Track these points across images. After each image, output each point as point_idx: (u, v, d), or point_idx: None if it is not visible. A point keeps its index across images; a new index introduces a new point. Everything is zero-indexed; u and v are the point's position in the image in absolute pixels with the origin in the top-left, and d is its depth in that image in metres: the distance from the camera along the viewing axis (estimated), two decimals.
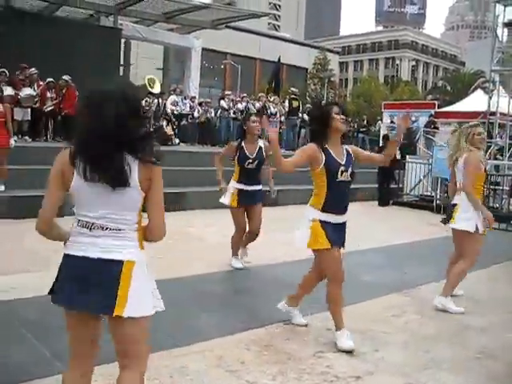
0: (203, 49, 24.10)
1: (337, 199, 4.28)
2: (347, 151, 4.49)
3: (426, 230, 10.46)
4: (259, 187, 6.68)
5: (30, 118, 13.37)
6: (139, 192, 2.38)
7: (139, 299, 2.42)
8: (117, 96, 2.38)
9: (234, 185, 6.60)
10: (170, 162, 12.28)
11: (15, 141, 10.32)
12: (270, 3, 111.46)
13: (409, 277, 6.76)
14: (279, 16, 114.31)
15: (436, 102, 25.04)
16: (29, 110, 13.28)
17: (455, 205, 5.61)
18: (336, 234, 4.29)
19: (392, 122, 20.95)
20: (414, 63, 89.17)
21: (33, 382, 3.44)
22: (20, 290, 5.09)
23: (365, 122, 26.44)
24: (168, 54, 25.54)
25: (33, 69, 13.62)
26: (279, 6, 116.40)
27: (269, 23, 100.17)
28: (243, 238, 6.71)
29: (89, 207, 2.39)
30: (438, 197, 13.82)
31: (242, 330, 4.51)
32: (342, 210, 4.34)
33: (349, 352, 4.15)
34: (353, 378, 3.75)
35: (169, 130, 16.44)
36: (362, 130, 25.54)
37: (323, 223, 4.25)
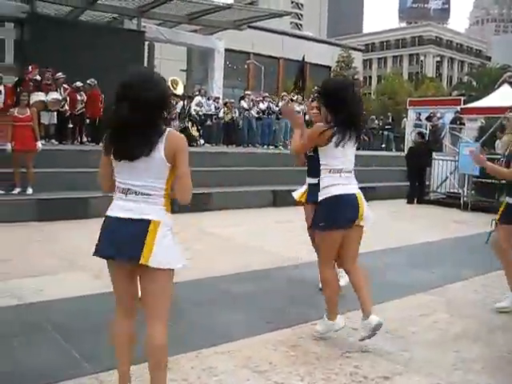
0: (226, 49, 24.18)
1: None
2: None
3: (453, 228, 10.34)
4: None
5: (56, 122, 13.54)
6: (165, 163, 2.78)
7: (164, 253, 2.80)
8: (143, 79, 2.86)
9: None
10: (196, 163, 12.39)
11: (42, 144, 10.45)
12: (292, 2, 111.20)
13: (436, 276, 6.68)
14: (301, 15, 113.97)
15: (462, 98, 24.73)
16: (55, 113, 13.44)
17: None
18: None
19: (419, 119, 20.76)
20: (438, 59, 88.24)
21: (62, 383, 3.46)
22: (48, 292, 5.15)
23: (390, 119, 26.24)
24: (191, 55, 25.68)
25: (59, 73, 13.78)
26: (301, 5, 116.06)
27: (291, 22, 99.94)
28: None
29: (124, 176, 2.84)
30: (465, 194, 13.64)
31: (268, 331, 4.50)
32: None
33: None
34: (381, 378, 3.71)
35: (194, 131, 16.51)
36: (386, 127, 25.37)
37: None
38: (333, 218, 4.13)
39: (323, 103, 4.29)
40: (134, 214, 2.79)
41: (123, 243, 2.77)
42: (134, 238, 2.76)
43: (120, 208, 2.83)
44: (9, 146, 9.74)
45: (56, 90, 13.35)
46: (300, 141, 4.28)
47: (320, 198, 4.23)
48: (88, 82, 14.50)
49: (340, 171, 4.16)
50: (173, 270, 2.90)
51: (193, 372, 3.68)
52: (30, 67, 13.26)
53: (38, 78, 13.32)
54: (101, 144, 3.03)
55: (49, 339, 4.11)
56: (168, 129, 2.82)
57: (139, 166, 2.77)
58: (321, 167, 4.24)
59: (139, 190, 2.81)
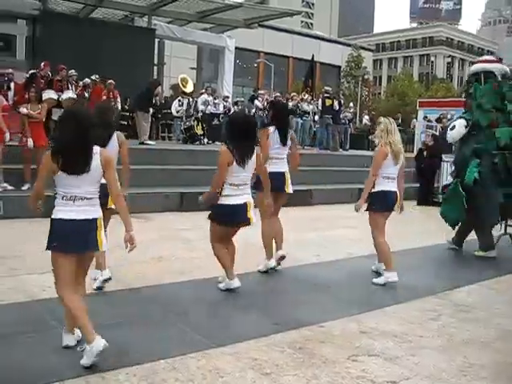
0: (236, 48, 24.14)
1: None
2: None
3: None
4: None
5: None
6: (101, 172, 3.80)
7: (105, 240, 3.91)
8: (81, 115, 3.81)
9: None
10: (201, 162, 12.40)
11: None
12: (303, 1, 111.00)
13: (444, 279, 6.65)
14: (312, 14, 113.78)
15: None
16: None
17: None
18: None
19: (429, 120, 20.66)
20: (449, 60, 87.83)
21: (68, 381, 3.47)
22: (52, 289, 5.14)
23: (399, 120, 26.11)
24: (201, 53, 25.66)
25: (72, 70, 13.82)
26: (312, 4, 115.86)
27: (302, 21, 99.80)
28: None
29: (71, 186, 3.73)
30: None
31: (275, 332, 4.48)
32: None
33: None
34: (388, 382, 3.69)
35: (198, 130, 16.51)
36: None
37: None
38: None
39: None
40: (86, 215, 3.74)
41: (82, 240, 3.72)
42: (90, 234, 3.75)
43: (71, 212, 3.72)
44: (30, 143, 9.77)
45: (68, 88, 13.36)
46: None
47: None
48: (92, 77, 14.53)
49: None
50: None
51: (199, 372, 3.68)
52: (42, 64, 13.28)
53: (49, 74, 13.34)
54: None
55: (54, 336, 4.09)
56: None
57: (83, 178, 3.71)
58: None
59: (85, 195, 3.74)
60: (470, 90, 8.86)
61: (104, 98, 14.58)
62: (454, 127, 8.63)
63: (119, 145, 5.30)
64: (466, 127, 8.40)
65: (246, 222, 5.54)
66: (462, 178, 8.14)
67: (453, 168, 9.11)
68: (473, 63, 9.02)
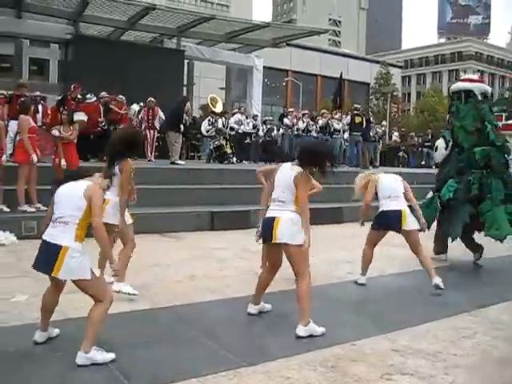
0: (264, 67, 24.32)
1: None
2: None
3: (492, 248, 10.11)
4: None
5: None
6: (83, 201, 4.00)
7: (72, 269, 3.94)
8: None
9: None
10: (231, 181, 12.47)
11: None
12: (329, 19, 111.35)
13: (477, 296, 6.54)
14: (339, 32, 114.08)
15: (503, 114, 24.31)
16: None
17: None
18: None
19: None
20: (478, 74, 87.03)
21: None
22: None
23: (429, 136, 25.90)
24: (230, 73, 25.91)
25: (103, 93, 14.12)
26: (339, 22, 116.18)
27: (329, 39, 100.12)
28: None
29: (56, 209, 4.07)
30: None
31: (307, 351, 4.46)
32: None
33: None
34: None
35: (228, 149, 16.60)
36: (426, 144, 25.04)
37: None
38: None
39: None
40: (52, 239, 3.97)
41: (42, 260, 4.03)
42: (49, 258, 3.93)
43: (48, 233, 4.03)
44: (63, 163, 9.96)
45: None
46: None
47: None
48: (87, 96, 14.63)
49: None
50: (96, 278, 4.08)
51: None
52: (72, 86, 13.56)
53: (80, 96, 13.60)
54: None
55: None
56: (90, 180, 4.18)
57: (66, 200, 4.04)
58: None
59: (61, 219, 4.00)
60: (452, 109, 9.06)
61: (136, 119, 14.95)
62: (437, 148, 9.20)
63: (120, 170, 5.50)
64: (445, 148, 8.87)
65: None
66: (440, 193, 8.53)
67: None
68: (461, 80, 9.34)
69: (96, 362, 3.92)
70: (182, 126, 15.01)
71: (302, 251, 4.82)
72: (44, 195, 9.67)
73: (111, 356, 4.01)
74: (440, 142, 9.04)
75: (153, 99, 15.04)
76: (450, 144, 8.80)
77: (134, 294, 5.67)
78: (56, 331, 4.46)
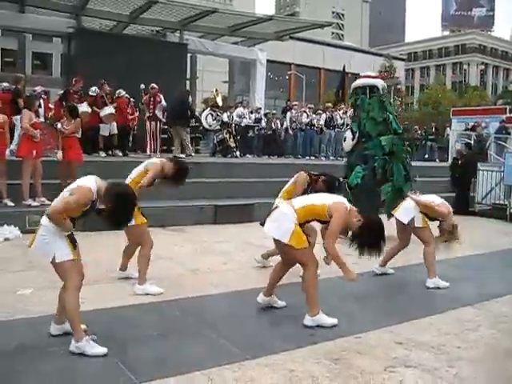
0: (268, 60, 24.25)
1: None
2: None
3: (499, 241, 10.12)
4: None
5: (116, 132, 13.87)
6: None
7: (37, 247, 4.16)
8: None
9: None
10: (235, 174, 12.47)
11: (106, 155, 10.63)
12: (333, 12, 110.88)
13: (482, 289, 6.53)
14: (343, 25, 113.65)
15: (507, 107, 24.25)
16: (115, 124, 13.77)
17: None
18: None
19: (467, 129, 20.40)
20: (482, 67, 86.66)
21: None
22: (88, 302, 5.22)
23: (433, 129, 25.86)
24: (233, 66, 25.85)
25: (120, 90, 14.29)
26: (342, 15, 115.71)
27: (332, 33, 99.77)
28: None
29: None
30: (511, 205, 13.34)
31: (311, 343, 4.47)
32: None
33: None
34: None
35: (231, 143, 16.58)
36: (430, 137, 25.01)
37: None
38: None
39: None
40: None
41: None
42: None
43: None
44: (59, 155, 9.99)
45: (107, 105, 13.62)
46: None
47: None
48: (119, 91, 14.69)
49: None
50: (61, 262, 4.14)
51: None
52: (74, 80, 13.57)
53: (80, 89, 13.60)
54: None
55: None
56: None
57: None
58: None
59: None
60: (357, 102, 9.92)
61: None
62: (345, 139, 10.24)
63: None
64: (352, 139, 9.92)
65: None
66: (348, 179, 9.55)
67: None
68: (360, 77, 10.28)
69: (86, 354, 3.99)
70: (192, 121, 14.97)
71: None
72: (49, 189, 9.71)
73: (103, 350, 4.03)
74: (348, 134, 10.14)
75: (155, 85, 14.54)
76: (357, 135, 9.82)
77: (159, 293, 5.73)
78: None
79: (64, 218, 4.06)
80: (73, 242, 4.24)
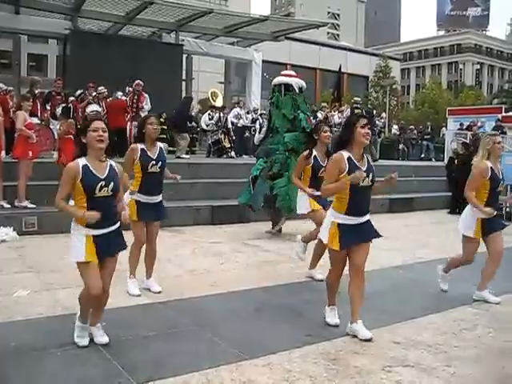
0: (263, 61, 24.26)
1: (359, 203, 4.61)
2: (368, 158, 4.75)
3: None
4: None
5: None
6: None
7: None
8: None
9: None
10: (231, 175, 12.45)
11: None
12: (328, 13, 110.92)
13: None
14: (338, 25, 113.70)
15: (503, 106, 24.32)
16: None
17: None
18: (354, 233, 4.61)
19: (460, 128, 20.44)
20: (478, 67, 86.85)
21: None
22: None
23: (429, 129, 25.88)
24: (229, 67, 25.84)
25: (101, 88, 14.03)
26: (338, 15, 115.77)
27: (328, 33, 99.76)
28: None
29: None
30: (508, 204, 13.35)
31: (308, 344, 4.47)
32: (363, 213, 4.67)
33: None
34: None
35: (226, 143, 16.57)
36: (426, 137, 25.03)
37: (342, 226, 4.61)
38: None
39: None
40: None
41: None
42: None
43: None
44: (55, 155, 10.04)
45: (98, 104, 13.57)
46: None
47: None
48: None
49: None
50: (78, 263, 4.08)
51: None
52: (55, 80, 13.61)
53: (58, 90, 13.60)
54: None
55: (91, 350, 4.17)
56: None
57: None
58: None
59: None
60: (273, 99, 10.14)
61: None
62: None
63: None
64: (259, 132, 10.82)
65: None
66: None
67: None
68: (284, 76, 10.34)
69: None
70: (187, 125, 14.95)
71: None
72: (42, 190, 9.69)
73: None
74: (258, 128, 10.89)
75: (140, 82, 14.15)
76: (264, 130, 10.42)
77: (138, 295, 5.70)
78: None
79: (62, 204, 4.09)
80: (97, 244, 4.11)
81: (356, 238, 4.61)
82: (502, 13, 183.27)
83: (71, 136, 10.22)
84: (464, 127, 20.51)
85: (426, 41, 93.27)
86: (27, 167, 9.42)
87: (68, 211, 4.08)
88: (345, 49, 53.82)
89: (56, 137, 10.32)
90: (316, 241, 6.44)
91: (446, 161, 17.36)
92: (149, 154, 5.67)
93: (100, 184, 4.07)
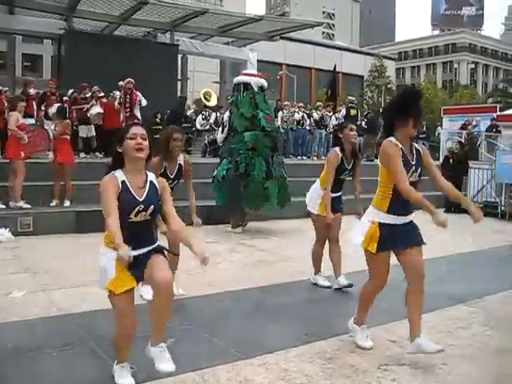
0: (258, 60, 24.25)
1: (404, 201, 4.09)
2: (418, 151, 4.22)
3: (490, 238, 10.16)
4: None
5: (94, 134, 13.69)
6: None
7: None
8: None
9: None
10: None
11: (84, 157, 10.64)
12: (323, 12, 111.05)
13: (473, 287, 6.55)
14: (333, 25, 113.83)
15: (497, 105, 24.39)
16: (93, 126, 13.62)
17: None
18: (399, 235, 4.17)
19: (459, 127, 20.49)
20: (472, 66, 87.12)
21: None
22: (87, 303, 5.21)
23: (424, 128, 25.89)
24: (224, 67, 25.83)
25: (95, 87, 13.99)
26: (333, 15, 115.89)
27: (323, 32, 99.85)
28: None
29: None
30: (503, 203, 13.41)
31: (304, 343, 4.47)
32: (408, 212, 4.24)
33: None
34: None
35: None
36: (421, 136, 25.02)
37: (383, 226, 4.15)
38: None
39: None
40: None
41: None
42: None
43: None
44: (50, 156, 10.02)
45: (94, 104, 13.55)
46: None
47: None
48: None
49: None
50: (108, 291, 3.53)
51: None
52: (49, 81, 13.61)
53: (53, 91, 13.62)
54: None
55: (89, 351, 4.16)
56: None
57: None
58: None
59: None
60: (233, 98, 10.43)
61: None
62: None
63: None
64: (222, 132, 10.91)
65: None
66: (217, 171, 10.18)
67: None
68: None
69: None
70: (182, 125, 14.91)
71: None
72: (38, 191, 9.69)
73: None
74: (220, 128, 11.07)
75: (132, 80, 13.81)
76: (226, 129, 10.56)
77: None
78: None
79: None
80: (131, 271, 3.49)
81: (401, 241, 4.19)
82: (496, 12, 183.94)
83: (67, 136, 10.24)
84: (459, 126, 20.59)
85: (421, 40, 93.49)
86: (22, 167, 9.40)
87: (113, 237, 3.25)
88: (340, 48, 53.99)
89: (51, 137, 10.24)
90: (313, 246, 6.46)
91: (441, 160, 17.40)
92: (168, 171, 5.70)
93: (138, 208, 3.52)
